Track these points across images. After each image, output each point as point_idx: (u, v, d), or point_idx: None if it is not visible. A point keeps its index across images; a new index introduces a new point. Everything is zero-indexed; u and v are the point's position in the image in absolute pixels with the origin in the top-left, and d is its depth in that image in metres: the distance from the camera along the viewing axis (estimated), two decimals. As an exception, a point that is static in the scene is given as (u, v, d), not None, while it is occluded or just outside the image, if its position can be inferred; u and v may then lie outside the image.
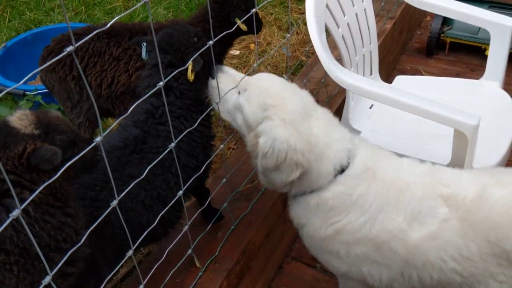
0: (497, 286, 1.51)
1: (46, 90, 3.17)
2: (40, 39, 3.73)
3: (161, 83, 1.36)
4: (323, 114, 1.69)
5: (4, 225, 1.04)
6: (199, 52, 1.67)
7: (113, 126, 1.30)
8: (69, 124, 1.34)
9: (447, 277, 1.55)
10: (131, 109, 1.34)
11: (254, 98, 1.62)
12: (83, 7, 4.43)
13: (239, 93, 1.68)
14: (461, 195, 1.53)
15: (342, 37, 2.22)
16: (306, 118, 1.60)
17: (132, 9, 1.39)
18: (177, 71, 1.56)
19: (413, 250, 1.55)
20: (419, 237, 1.53)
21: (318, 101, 2.90)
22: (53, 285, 1.13)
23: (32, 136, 1.21)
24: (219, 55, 2.59)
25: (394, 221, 1.55)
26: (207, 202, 1.98)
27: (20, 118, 1.24)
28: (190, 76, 1.76)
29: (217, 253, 2.04)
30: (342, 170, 1.61)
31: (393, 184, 1.59)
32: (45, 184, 1.08)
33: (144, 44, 1.78)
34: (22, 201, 1.10)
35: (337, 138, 1.63)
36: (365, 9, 2.40)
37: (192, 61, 1.73)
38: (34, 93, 3.14)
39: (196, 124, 1.68)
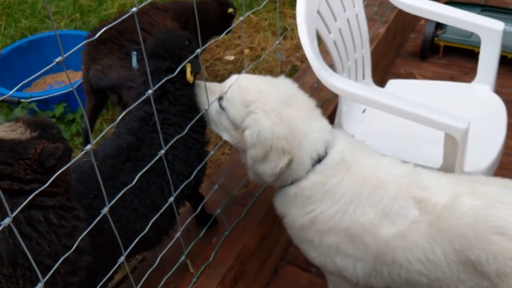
0: None
1: (41, 97, 3.20)
2: (35, 46, 3.75)
3: (149, 91, 1.38)
4: (304, 105, 1.76)
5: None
6: (194, 54, 1.70)
7: (104, 131, 1.32)
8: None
9: (413, 278, 1.59)
10: (120, 116, 1.36)
11: (235, 98, 1.70)
12: (78, 14, 4.44)
13: (219, 99, 1.75)
14: (433, 200, 1.56)
15: (334, 42, 2.24)
16: (286, 108, 1.68)
17: (123, 17, 1.40)
18: (173, 74, 1.57)
19: (382, 246, 1.59)
20: (389, 234, 1.58)
21: (311, 106, 2.94)
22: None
23: (35, 138, 1.22)
24: None
25: (367, 215, 1.61)
26: (199, 208, 1.99)
27: (12, 129, 1.25)
28: (190, 78, 1.76)
29: (211, 258, 2.05)
30: (319, 160, 1.68)
31: (367, 179, 1.64)
32: (57, 173, 1.12)
33: (134, 53, 1.79)
34: (43, 208, 1.14)
35: (315, 129, 1.70)
36: (356, 14, 2.42)
37: (190, 63, 1.74)
38: (29, 100, 3.15)
39: (185, 131, 1.69)
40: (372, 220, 1.60)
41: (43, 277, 1.16)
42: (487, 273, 1.45)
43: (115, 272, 1.62)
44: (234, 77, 1.79)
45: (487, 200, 1.51)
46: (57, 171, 1.15)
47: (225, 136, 1.81)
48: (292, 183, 1.72)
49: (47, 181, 1.14)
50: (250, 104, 1.67)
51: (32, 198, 1.11)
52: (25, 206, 1.09)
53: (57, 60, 1.02)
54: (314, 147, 1.68)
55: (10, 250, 1.13)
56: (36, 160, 1.20)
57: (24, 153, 1.19)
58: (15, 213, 1.05)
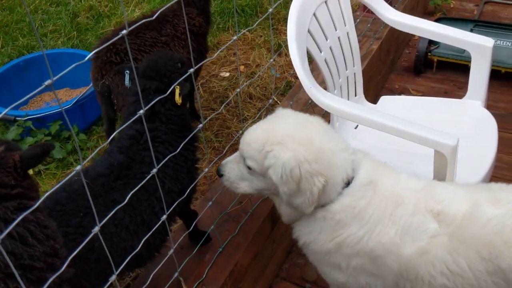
0: None
1: (37, 116, 3.22)
2: (32, 65, 3.79)
3: (141, 111, 1.40)
4: (319, 124, 1.71)
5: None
6: (183, 77, 1.71)
7: (95, 152, 1.34)
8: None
9: None
10: (112, 136, 1.38)
11: (251, 154, 1.66)
12: (75, 32, 4.49)
13: (244, 161, 1.71)
14: (452, 211, 1.55)
15: (325, 60, 2.27)
16: (303, 130, 1.63)
17: (116, 38, 1.43)
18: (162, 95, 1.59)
19: (405, 264, 1.57)
20: (411, 252, 1.56)
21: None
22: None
23: (6, 150, 1.28)
24: None
25: (388, 235, 1.58)
26: (193, 225, 2.00)
27: None
28: (178, 100, 1.80)
29: (204, 275, 2.05)
30: (348, 183, 1.63)
31: (389, 198, 1.61)
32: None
33: (127, 71, 1.83)
34: (26, 210, 1.16)
35: (341, 148, 1.65)
36: (348, 33, 2.45)
37: (179, 85, 1.77)
38: (25, 118, 3.17)
39: (179, 149, 1.71)
40: (393, 239, 1.57)
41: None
42: None
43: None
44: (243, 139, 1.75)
45: (510, 208, 1.50)
46: (29, 176, 1.28)
47: (258, 189, 1.76)
48: (319, 207, 1.66)
49: (26, 186, 1.26)
50: (264, 147, 1.61)
51: (19, 203, 1.22)
52: (15, 209, 1.20)
53: (46, 83, 1.04)
54: (344, 167, 1.62)
55: (6, 257, 1.14)
56: (17, 167, 1.26)
57: (4, 163, 1.25)
58: (21, 217, 1.08)
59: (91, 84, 3.33)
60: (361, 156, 1.70)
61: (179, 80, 1.74)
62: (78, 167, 1.22)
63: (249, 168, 1.70)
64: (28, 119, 3.17)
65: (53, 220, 1.37)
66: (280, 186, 1.60)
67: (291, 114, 1.76)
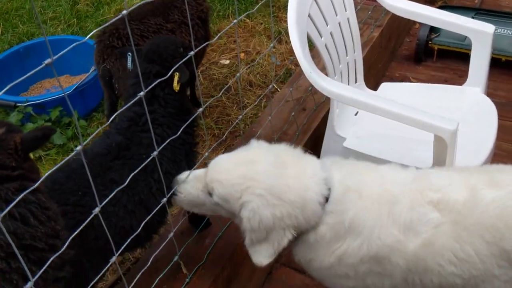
0: (501, 285, 1.53)
1: (37, 102, 3.23)
2: (32, 51, 3.78)
3: (141, 93, 1.40)
4: (288, 156, 1.64)
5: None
6: (182, 61, 1.71)
7: (95, 132, 1.35)
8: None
9: (447, 280, 1.56)
10: (111, 118, 1.38)
11: (223, 195, 1.58)
12: (75, 19, 4.47)
13: (210, 194, 1.63)
14: (452, 198, 1.53)
15: (325, 46, 2.26)
16: (280, 177, 1.56)
17: (116, 18, 1.42)
18: (158, 80, 1.60)
19: (412, 259, 1.55)
20: (416, 246, 1.53)
21: (305, 109, 2.97)
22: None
23: (6, 133, 1.29)
24: None
25: (392, 236, 1.54)
26: (192, 210, 2.00)
27: None
28: (176, 86, 1.81)
29: (204, 259, 2.07)
30: (326, 199, 1.58)
31: (381, 199, 1.57)
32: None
33: (129, 54, 1.83)
34: (31, 192, 1.19)
35: (310, 175, 1.59)
36: (348, 18, 2.45)
37: (178, 72, 1.77)
38: (25, 104, 3.17)
39: (179, 133, 1.72)
40: (397, 238, 1.54)
41: (36, 270, 1.18)
42: None
43: (107, 270, 1.63)
44: (212, 166, 1.66)
45: (509, 190, 1.51)
46: (30, 158, 1.30)
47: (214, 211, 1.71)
48: (307, 231, 1.62)
49: (27, 168, 1.28)
50: (241, 196, 1.54)
51: (20, 184, 1.24)
52: (16, 190, 1.21)
53: (45, 62, 1.05)
54: (318, 193, 1.57)
55: (8, 237, 1.15)
56: (18, 149, 1.28)
57: (5, 145, 1.26)
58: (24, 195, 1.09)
59: (91, 71, 3.34)
60: (330, 168, 1.64)
61: (178, 64, 1.73)
62: (79, 147, 1.23)
63: (216, 203, 1.62)
64: (28, 105, 3.17)
65: (52, 199, 1.39)
66: (249, 234, 1.57)
67: (268, 152, 1.66)
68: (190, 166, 1.90)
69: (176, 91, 1.82)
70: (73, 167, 1.63)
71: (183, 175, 1.70)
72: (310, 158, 1.67)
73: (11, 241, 1.11)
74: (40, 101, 3.24)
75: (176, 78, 1.78)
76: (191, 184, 1.68)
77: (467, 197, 1.52)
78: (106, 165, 1.66)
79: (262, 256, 1.59)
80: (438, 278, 1.55)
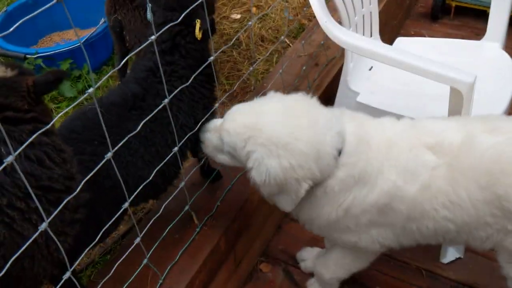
0: (494, 233, 1.55)
1: (47, 53, 3.20)
2: (40, 3, 3.70)
3: (153, 37, 1.37)
4: (300, 106, 1.60)
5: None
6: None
7: (108, 75, 1.34)
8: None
9: (441, 225, 1.58)
10: (123, 62, 1.36)
11: (230, 145, 1.59)
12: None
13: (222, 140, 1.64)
14: (446, 141, 1.54)
15: (341, -4, 2.20)
16: (288, 124, 1.53)
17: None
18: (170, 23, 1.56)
19: (412, 203, 1.56)
20: (415, 190, 1.54)
21: (317, 65, 2.92)
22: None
23: (19, 75, 1.28)
24: None
25: (389, 181, 1.56)
26: (203, 160, 2.01)
27: None
28: (198, 34, 1.76)
29: (214, 210, 2.08)
30: (339, 152, 1.57)
31: (382, 145, 1.58)
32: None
33: (149, 4, 1.79)
34: (45, 133, 1.20)
35: (324, 127, 1.55)
36: (365, -32, 2.37)
37: (199, 19, 1.74)
38: (35, 56, 3.15)
39: (189, 82, 1.69)
40: (395, 183, 1.55)
41: (53, 210, 1.20)
42: None
43: (122, 218, 1.65)
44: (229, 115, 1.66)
45: (507, 137, 1.50)
46: (42, 101, 1.31)
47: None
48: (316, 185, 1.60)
49: (39, 111, 1.27)
50: (245, 144, 1.53)
51: (34, 126, 1.22)
52: (30, 132, 1.20)
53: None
54: (333, 146, 1.54)
55: (22, 177, 1.15)
56: (31, 92, 1.26)
57: (17, 87, 1.25)
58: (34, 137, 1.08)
59: (101, 23, 3.29)
60: (341, 118, 1.62)
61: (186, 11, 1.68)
62: (91, 89, 1.22)
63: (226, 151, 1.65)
64: (38, 57, 3.15)
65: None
66: (262, 188, 1.56)
67: (279, 102, 1.63)
68: (206, 121, 1.89)
69: (198, 39, 1.78)
70: (88, 116, 1.62)
71: (210, 124, 1.75)
72: (324, 109, 1.65)
73: (25, 181, 1.12)
74: (50, 53, 3.21)
75: (198, 25, 1.75)
76: (212, 133, 1.72)
77: (463, 141, 1.52)
78: (122, 115, 1.66)
79: (282, 205, 1.61)
80: (433, 224, 1.57)
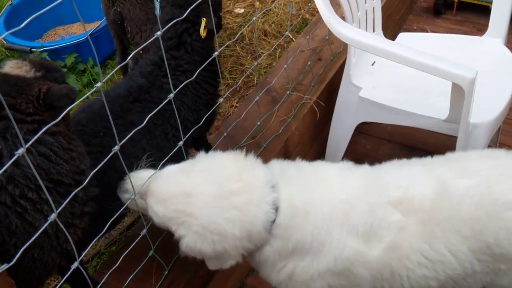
0: (483, 277, 1.45)
1: (52, 47, 3.23)
2: (45, -3, 3.74)
3: (158, 33, 1.40)
4: (234, 174, 1.41)
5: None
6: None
7: (114, 70, 1.36)
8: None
9: (420, 284, 1.44)
10: (130, 56, 1.38)
11: (160, 224, 1.44)
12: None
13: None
14: (416, 195, 1.39)
15: (344, -9, 2.22)
16: (222, 205, 1.37)
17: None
18: (173, 21, 1.58)
19: (376, 267, 1.43)
20: (379, 252, 1.40)
21: (321, 59, 2.94)
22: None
23: (38, 78, 1.30)
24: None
25: (349, 248, 1.40)
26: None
27: (18, 67, 1.32)
28: (203, 33, 1.80)
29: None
30: (274, 221, 1.42)
31: (333, 213, 1.42)
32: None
33: (158, 0, 1.83)
34: (50, 133, 1.24)
35: (258, 201, 1.39)
36: (368, -36, 2.38)
37: (205, 18, 1.77)
38: (41, 49, 3.18)
39: (194, 76, 1.72)
40: (356, 248, 1.40)
41: (63, 202, 1.22)
42: (506, 254, 1.35)
43: (127, 209, 1.68)
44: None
45: (483, 176, 1.39)
46: (58, 108, 1.27)
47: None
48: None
49: (47, 115, 1.27)
50: (179, 227, 1.38)
51: (39, 126, 1.24)
52: (27, 131, 1.23)
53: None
54: (264, 222, 1.39)
55: (32, 168, 1.18)
56: (40, 98, 1.27)
57: (28, 90, 1.27)
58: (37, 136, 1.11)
59: (105, 18, 3.31)
60: (276, 182, 1.45)
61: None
62: (98, 84, 1.25)
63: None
64: (43, 50, 3.17)
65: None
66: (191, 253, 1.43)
67: (209, 173, 1.44)
68: (210, 116, 1.92)
69: (202, 37, 1.82)
70: (94, 109, 1.65)
71: (127, 183, 1.48)
72: (259, 170, 1.47)
73: (35, 173, 1.14)
74: (55, 46, 3.24)
75: (203, 24, 1.78)
76: (132, 196, 1.47)
77: (436, 191, 1.39)
78: (126, 106, 1.69)
79: (209, 265, 1.49)
80: (408, 283, 1.44)
